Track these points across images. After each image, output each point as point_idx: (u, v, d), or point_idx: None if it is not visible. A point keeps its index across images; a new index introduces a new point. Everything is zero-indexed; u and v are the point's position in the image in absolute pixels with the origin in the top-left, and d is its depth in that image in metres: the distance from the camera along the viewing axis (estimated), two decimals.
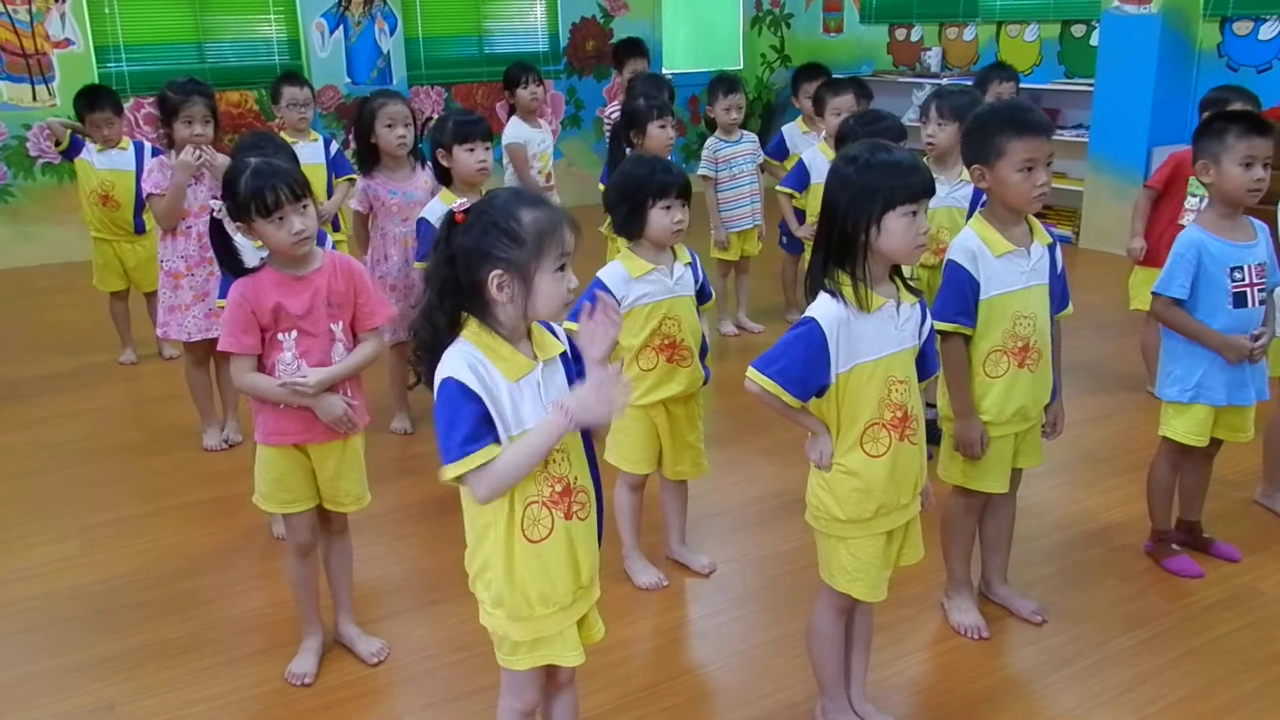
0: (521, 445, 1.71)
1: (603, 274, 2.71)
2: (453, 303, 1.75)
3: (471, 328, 1.76)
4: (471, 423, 1.69)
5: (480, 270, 1.70)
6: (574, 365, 1.87)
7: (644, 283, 2.72)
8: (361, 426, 2.55)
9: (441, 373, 1.72)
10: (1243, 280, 2.78)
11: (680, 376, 2.80)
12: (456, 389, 1.70)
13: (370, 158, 3.98)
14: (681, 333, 2.78)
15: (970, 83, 5.36)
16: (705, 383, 2.90)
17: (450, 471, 1.70)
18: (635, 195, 2.67)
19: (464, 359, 1.72)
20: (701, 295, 2.88)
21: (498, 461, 1.70)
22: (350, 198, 4.21)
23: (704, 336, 2.87)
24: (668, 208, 2.67)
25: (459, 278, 1.72)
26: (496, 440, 1.71)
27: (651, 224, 2.68)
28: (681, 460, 2.93)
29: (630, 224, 2.70)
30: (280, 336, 2.41)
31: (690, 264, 2.82)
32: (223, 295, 3.09)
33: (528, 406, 1.75)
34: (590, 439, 1.89)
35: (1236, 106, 3.66)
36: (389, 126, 3.88)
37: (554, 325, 1.89)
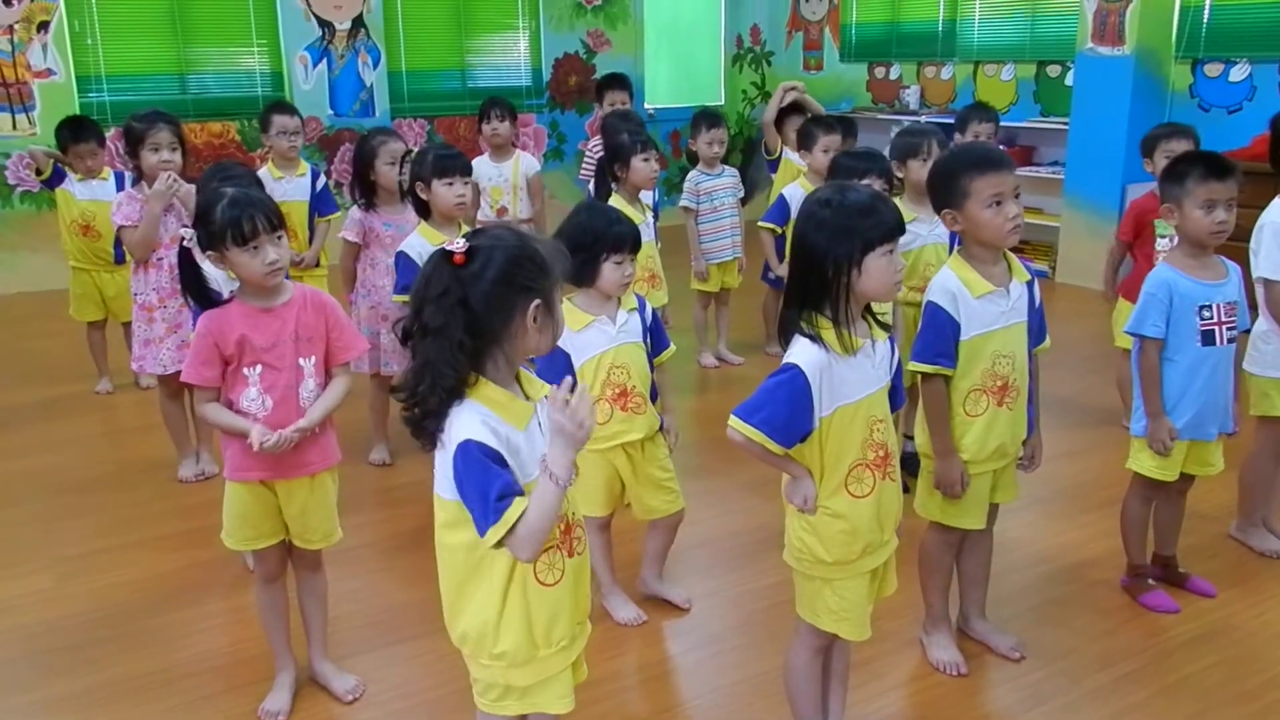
0: (534, 511, 1.64)
1: None
2: (473, 345, 1.67)
3: (476, 387, 1.71)
4: (502, 482, 1.64)
5: (518, 305, 1.68)
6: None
7: (585, 334, 2.71)
8: (325, 463, 2.51)
9: (458, 435, 1.66)
10: (1211, 319, 2.81)
11: (638, 423, 2.79)
12: (479, 450, 1.65)
13: (369, 192, 4.02)
14: (631, 379, 2.76)
15: (950, 121, 5.42)
16: (660, 428, 2.89)
17: (493, 534, 1.64)
18: (592, 247, 2.65)
19: (478, 418, 1.67)
20: (658, 343, 2.87)
21: (528, 518, 1.63)
22: (335, 233, 4.20)
23: (653, 383, 2.86)
24: (620, 262, 2.68)
25: (480, 320, 1.67)
26: (522, 493, 1.66)
27: (604, 276, 2.69)
28: (651, 496, 2.89)
29: (582, 274, 2.69)
30: (245, 371, 2.39)
31: (635, 309, 2.81)
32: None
33: (537, 450, 1.73)
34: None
35: (1175, 144, 3.77)
36: (390, 164, 3.96)
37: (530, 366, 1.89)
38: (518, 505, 1.63)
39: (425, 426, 1.71)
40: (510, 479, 1.65)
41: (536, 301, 1.69)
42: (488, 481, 1.64)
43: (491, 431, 1.67)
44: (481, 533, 1.66)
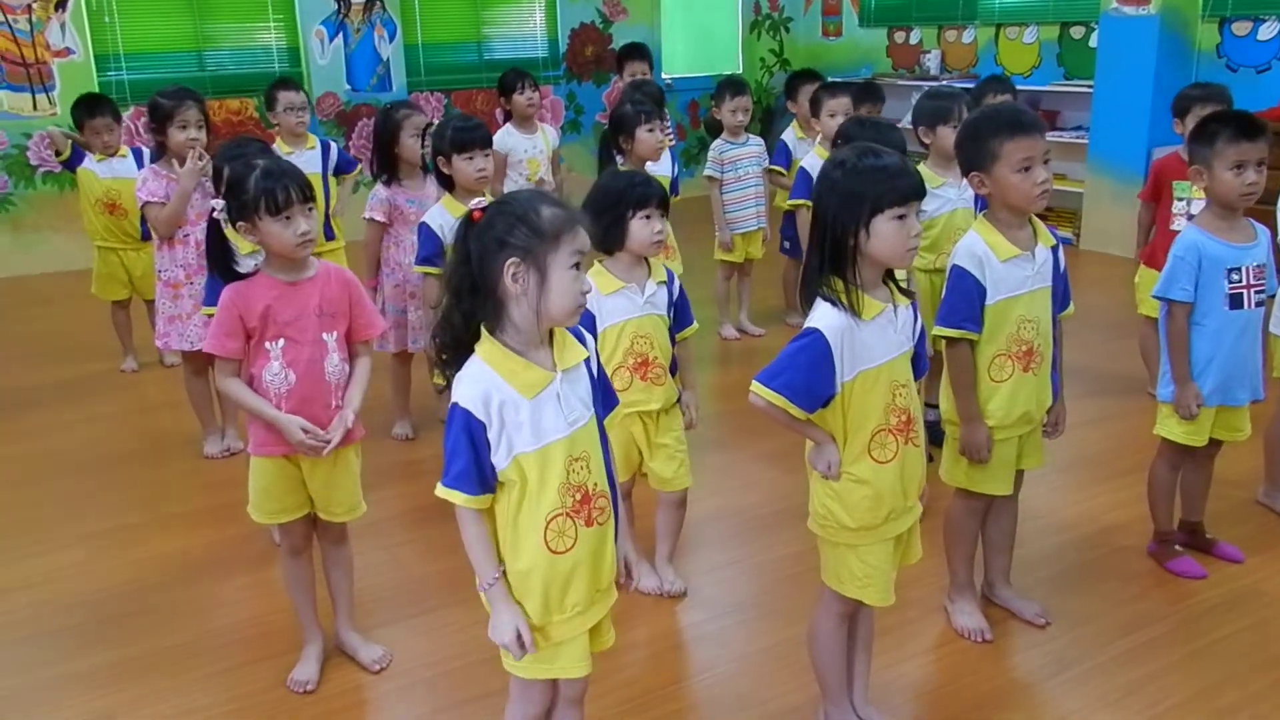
0: (473, 544, 1.80)
1: None
2: (469, 304, 1.76)
3: (485, 345, 1.76)
4: (467, 462, 1.74)
5: (497, 259, 1.71)
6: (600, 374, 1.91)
7: (613, 299, 2.69)
8: (349, 438, 2.50)
9: (454, 394, 1.75)
10: (1240, 282, 2.77)
11: (656, 394, 2.77)
12: (463, 419, 1.73)
13: (391, 167, 4.00)
14: (654, 350, 2.75)
15: (971, 85, 5.35)
16: (677, 401, 2.87)
17: (439, 492, 1.77)
18: (615, 208, 2.64)
19: (477, 385, 1.74)
20: (681, 318, 2.84)
21: (470, 530, 1.79)
22: (355, 203, 4.18)
23: (673, 357, 2.84)
24: (647, 217, 2.66)
25: (475, 277, 1.74)
26: (487, 490, 1.77)
27: (632, 235, 2.67)
28: (662, 467, 2.85)
29: (610, 237, 2.68)
30: (267, 345, 2.39)
31: (665, 281, 2.78)
32: (209, 302, 3.10)
33: (549, 418, 1.76)
34: (607, 440, 1.89)
35: (1209, 110, 3.66)
36: (414, 137, 3.92)
37: (582, 331, 1.89)
38: (473, 500, 1.76)
39: (445, 371, 1.80)
40: (476, 463, 1.74)
41: (512, 258, 1.70)
42: (456, 451, 1.75)
43: (484, 400, 1.73)
44: (440, 483, 1.78)
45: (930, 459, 2.27)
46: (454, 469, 1.75)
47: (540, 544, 1.77)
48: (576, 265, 1.74)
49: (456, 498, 1.76)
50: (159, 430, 4.40)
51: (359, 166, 4.91)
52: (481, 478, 1.76)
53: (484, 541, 1.80)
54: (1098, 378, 4.57)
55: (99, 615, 2.99)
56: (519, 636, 1.78)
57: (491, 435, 1.74)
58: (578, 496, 1.79)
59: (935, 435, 2.73)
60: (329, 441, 2.42)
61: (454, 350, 1.79)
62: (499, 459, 1.75)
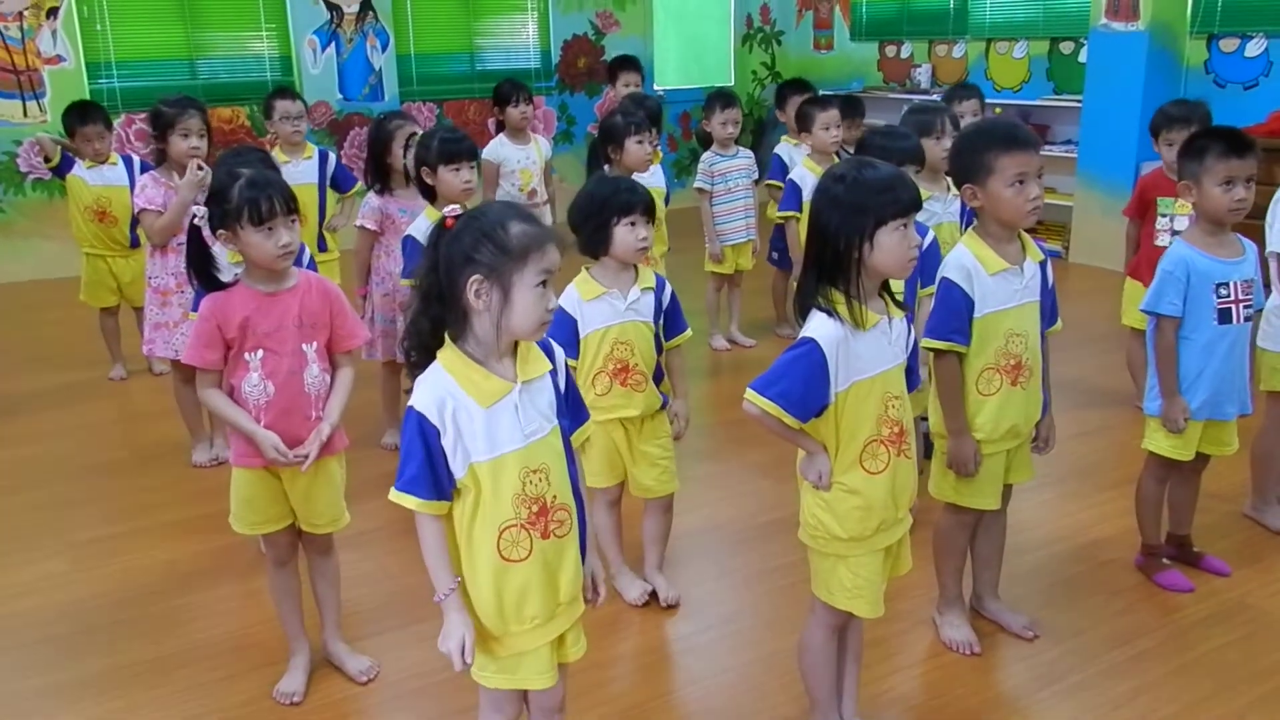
0: (429, 552, 1.80)
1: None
2: (437, 310, 1.77)
3: (446, 352, 1.77)
4: (420, 465, 1.74)
5: (461, 275, 1.71)
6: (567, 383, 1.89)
7: (595, 305, 2.70)
8: (329, 449, 2.48)
9: (412, 399, 1.77)
10: (1228, 297, 2.79)
11: (636, 400, 2.76)
12: (417, 423, 1.74)
13: (384, 176, 4.00)
14: (634, 357, 2.74)
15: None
16: (663, 407, 2.86)
17: (393, 496, 1.78)
18: (600, 213, 2.65)
19: (434, 391, 1.75)
20: (674, 325, 2.83)
21: (427, 536, 1.79)
22: (356, 211, 4.17)
23: (659, 364, 2.83)
24: (632, 224, 2.66)
25: (441, 284, 1.74)
26: (442, 497, 1.77)
27: (617, 241, 2.67)
28: (644, 473, 2.86)
29: (595, 242, 2.68)
30: (246, 356, 2.38)
31: (652, 289, 2.77)
32: (196, 308, 3.09)
33: (504, 429, 1.76)
34: (573, 453, 1.89)
35: (1175, 134, 3.69)
36: (408, 147, 3.91)
37: (551, 344, 1.89)
38: (426, 505, 1.77)
39: (415, 375, 1.82)
40: (429, 468, 1.74)
41: (475, 275, 1.71)
42: (409, 454, 1.76)
43: (438, 405, 1.74)
44: (394, 486, 1.78)
45: (920, 472, 2.27)
46: (407, 473, 1.75)
47: (493, 552, 1.78)
48: (544, 283, 1.74)
49: (409, 502, 1.76)
50: (147, 438, 4.38)
51: (357, 184, 4.89)
52: (436, 483, 1.75)
53: (441, 551, 1.80)
54: (1086, 391, 4.59)
55: (85, 625, 2.97)
56: (462, 648, 1.77)
57: (446, 443, 1.74)
58: (534, 508, 1.79)
59: (925, 448, 2.73)
60: (306, 457, 2.40)
61: (422, 354, 1.80)
62: (456, 466, 1.75)
